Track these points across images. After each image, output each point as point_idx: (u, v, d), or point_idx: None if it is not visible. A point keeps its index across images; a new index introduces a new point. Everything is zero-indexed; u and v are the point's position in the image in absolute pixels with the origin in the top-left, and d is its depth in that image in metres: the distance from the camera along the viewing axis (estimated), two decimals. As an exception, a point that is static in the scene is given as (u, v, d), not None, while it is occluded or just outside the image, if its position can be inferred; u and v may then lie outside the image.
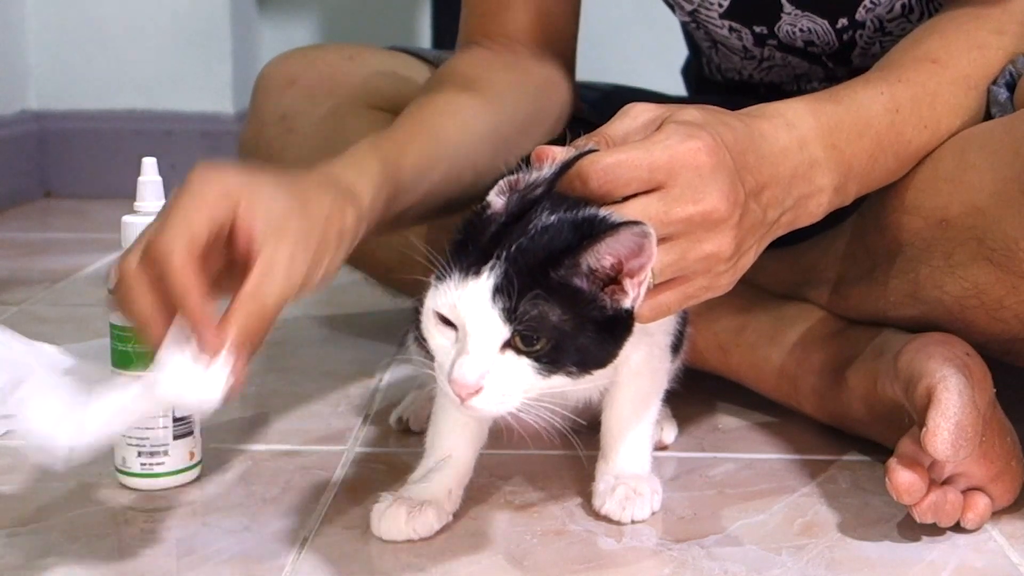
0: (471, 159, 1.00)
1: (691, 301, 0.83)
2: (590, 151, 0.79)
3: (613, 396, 0.91)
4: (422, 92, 1.09)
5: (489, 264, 0.75)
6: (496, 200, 0.78)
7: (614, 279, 0.76)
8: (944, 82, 0.97)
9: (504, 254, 0.75)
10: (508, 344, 0.75)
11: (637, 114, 0.84)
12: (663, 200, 0.78)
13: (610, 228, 0.75)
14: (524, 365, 0.75)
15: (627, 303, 0.77)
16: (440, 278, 0.76)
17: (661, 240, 0.77)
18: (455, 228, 0.79)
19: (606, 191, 0.78)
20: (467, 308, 0.75)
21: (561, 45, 1.18)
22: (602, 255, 0.75)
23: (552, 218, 0.76)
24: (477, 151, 1.01)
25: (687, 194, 0.78)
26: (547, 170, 0.79)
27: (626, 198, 0.79)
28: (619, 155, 0.78)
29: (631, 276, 0.76)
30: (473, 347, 0.75)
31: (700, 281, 0.82)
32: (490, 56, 1.14)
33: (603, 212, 0.77)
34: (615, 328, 0.78)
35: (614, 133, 0.83)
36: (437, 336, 0.77)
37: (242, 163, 1.32)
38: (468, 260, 0.75)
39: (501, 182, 0.79)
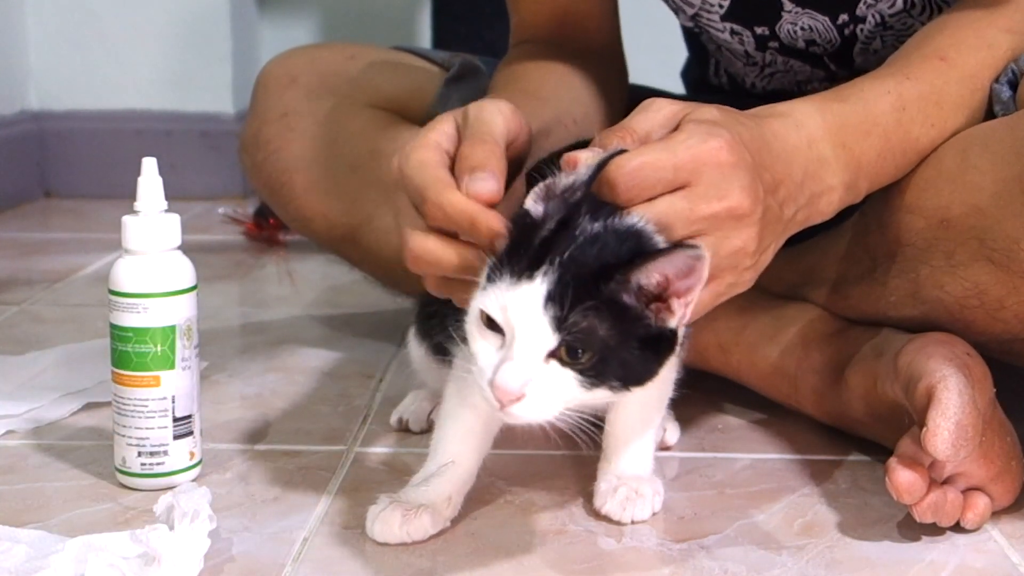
0: (570, 112, 1.06)
1: (720, 299, 0.83)
2: (618, 152, 0.79)
3: (619, 398, 0.91)
4: (499, 77, 1.12)
5: (542, 269, 0.74)
6: (535, 207, 0.78)
7: (659, 297, 0.76)
8: (951, 80, 0.97)
9: (556, 260, 0.74)
10: (553, 354, 0.75)
11: (659, 108, 0.84)
12: (688, 198, 0.78)
13: (665, 249, 0.75)
14: (568, 377, 0.75)
15: (672, 322, 0.77)
16: (491, 279, 0.76)
17: (689, 238, 0.78)
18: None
19: (633, 194, 0.78)
20: (517, 312, 0.74)
21: (590, 37, 1.20)
22: (652, 274, 0.75)
23: (596, 225, 0.76)
24: (573, 103, 1.07)
25: (711, 192, 0.79)
26: (582, 171, 0.78)
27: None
28: (643, 157, 0.78)
29: (678, 296, 0.76)
30: (519, 354, 0.74)
31: (728, 278, 0.82)
32: (541, 48, 1.16)
33: (640, 221, 0.77)
34: (659, 346, 0.77)
35: (638, 127, 0.83)
36: (480, 339, 0.77)
37: (241, 162, 1.33)
38: (520, 264, 0.75)
39: (536, 188, 0.78)
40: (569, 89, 1.10)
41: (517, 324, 0.74)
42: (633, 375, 0.77)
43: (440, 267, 0.80)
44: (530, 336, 0.74)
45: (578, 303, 0.73)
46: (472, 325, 0.77)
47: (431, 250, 0.80)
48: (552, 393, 0.75)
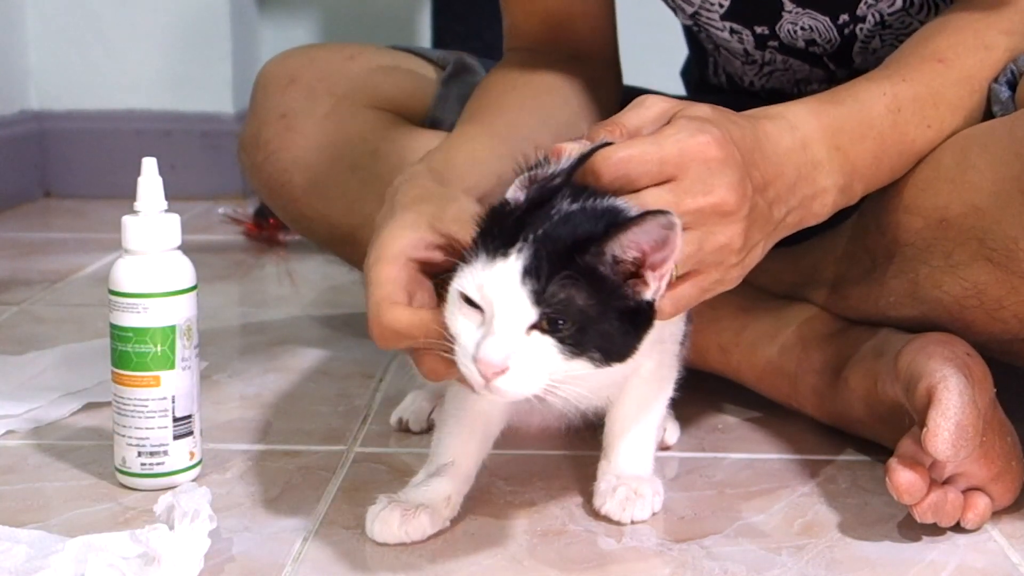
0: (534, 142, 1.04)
1: (706, 295, 0.83)
2: (604, 144, 0.80)
3: (619, 396, 0.91)
4: (480, 89, 1.12)
5: (516, 246, 0.75)
6: (514, 195, 0.79)
7: (636, 273, 0.77)
8: (948, 82, 0.97)
9: (531, 237, 0.75)
10: (534, 326, 0.75)
11: (651, 104, 0.85)
12: (673, 192, 0.79)
13: (637, 217, 0.75)
14: (549, 346, 0.75)
15: (648, 295, 0.77)
16: (466, 261, 0.77)
17: None
18: (480, 219, 0.79)
19: (619, 185, 0.79)
20: (495, 289, 0.75)
21: (584, 42, 1.19)
22: (627, 245, 0.75)
23: (574, 206, 0.77)
24: (540, 130, 1.05)
25: (697, 186, 0.79)
26: (564, 162, 0.80)
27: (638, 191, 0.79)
28: (630, 150, 0.79)
29: (653, 269, 0.77)
30: (499, 328, 0.75)
31: (713, 274, 0.82)
32: (527, 59, 1.15)
33: (622, 202, 0.78)
34: (636, 319, 0.78)
35: (628, 122, 0.84)
36: (461, 319, 0.77)
37: (240, 162, 1.33)
38: (495, 243, 0.76)
39: (519, 179, 0.80)
40: (541, 111, 1.08)
41: (496, 300, 0.75)
42: (614, 348, 0.77)
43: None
44: (510, 311, 0.75)
45: (555, 275, 0.74)
46: (452, 306, 0.78)
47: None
48: (535, 364, 0.75)
